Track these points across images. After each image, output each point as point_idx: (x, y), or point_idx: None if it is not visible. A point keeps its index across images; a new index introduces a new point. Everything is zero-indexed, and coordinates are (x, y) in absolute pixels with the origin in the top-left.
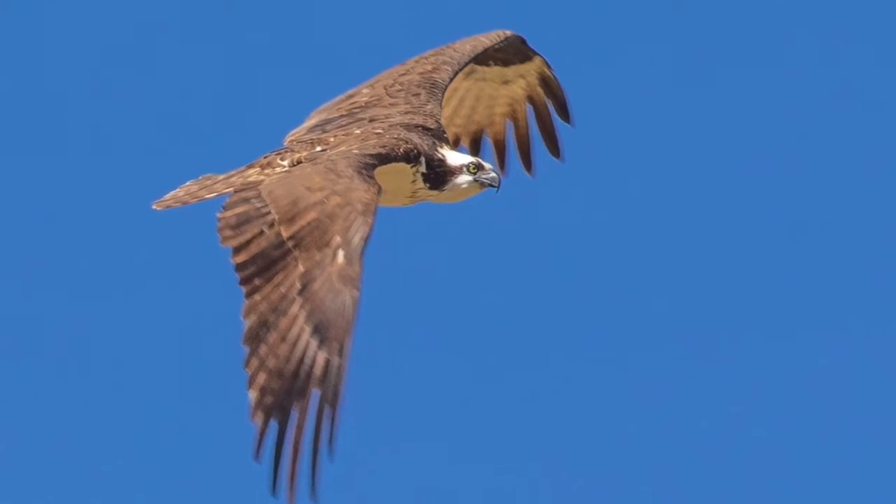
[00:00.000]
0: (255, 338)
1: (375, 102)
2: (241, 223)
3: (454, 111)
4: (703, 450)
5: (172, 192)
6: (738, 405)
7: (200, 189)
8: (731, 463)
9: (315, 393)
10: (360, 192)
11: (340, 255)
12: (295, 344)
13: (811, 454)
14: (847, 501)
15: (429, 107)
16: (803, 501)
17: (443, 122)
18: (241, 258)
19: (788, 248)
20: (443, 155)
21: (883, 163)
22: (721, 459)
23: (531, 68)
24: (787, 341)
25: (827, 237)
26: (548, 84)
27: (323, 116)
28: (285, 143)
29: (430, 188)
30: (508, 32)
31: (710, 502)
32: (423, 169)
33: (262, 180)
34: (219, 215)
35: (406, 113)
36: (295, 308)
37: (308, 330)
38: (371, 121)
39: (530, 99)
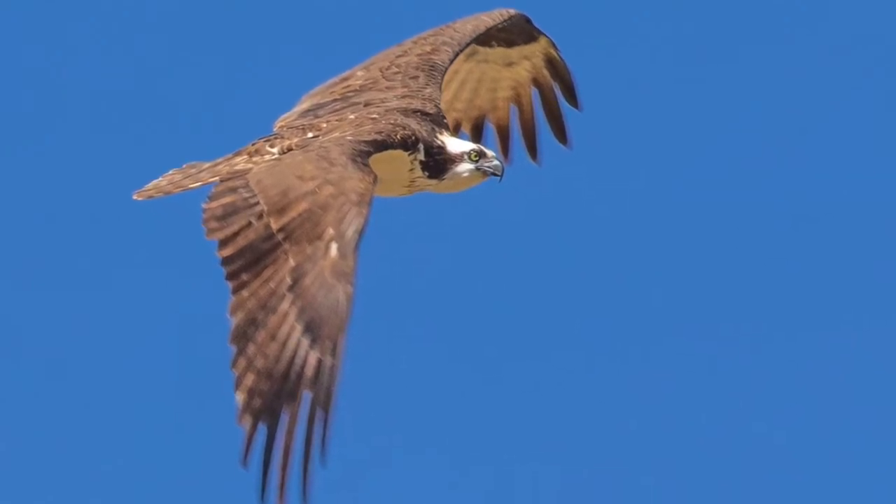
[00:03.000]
0: (242, 336)
1: (371, 86)
2: (228, 214)
3: (454, 95)
4: (703, 445)
5: (155, 182)
6: (739, 400)
7: (184, 178)
8: (732, 458)
9: (306, 395)
10: (355, 181)
11: (333, 248)
12: (285, 343)
13: (812, 450)
14: (847, 499)
15: (427, 90)
16: (803, 498)
17: (442, 106)
18: (227, 252)
19: (792, 241)
20: (442, 142)
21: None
22: (721, 455)
23: (536, 49)
24: (788, 335)
25: (829, 231)
26: (554, 66)
27: (315, 101)
28: (275, 129)
29: (429, 177)
30: (512, 11)
31: (711, 497)
32: (421, 156)
33: (251, 169)
34: (204, 206)
35: (403, 97)
36: (285, 305)
37: (299, 328)
38: (366, 105)
39: (535, 82)
